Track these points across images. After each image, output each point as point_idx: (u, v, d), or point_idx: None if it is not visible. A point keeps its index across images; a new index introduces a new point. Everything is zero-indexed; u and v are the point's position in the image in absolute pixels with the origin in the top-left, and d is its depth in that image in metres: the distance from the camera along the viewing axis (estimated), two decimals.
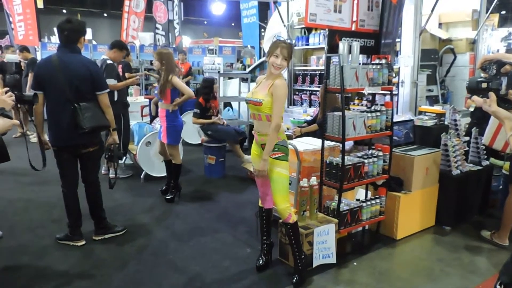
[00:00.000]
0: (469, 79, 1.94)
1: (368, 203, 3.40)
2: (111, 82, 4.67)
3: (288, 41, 5.59)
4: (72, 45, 3.24)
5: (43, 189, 4.91)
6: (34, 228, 3.82)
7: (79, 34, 3.25)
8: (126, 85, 5.45)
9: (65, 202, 3.45)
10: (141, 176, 5.32)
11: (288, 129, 5.21)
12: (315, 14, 3.35)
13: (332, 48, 3.39)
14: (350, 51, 3.19)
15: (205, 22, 29.00)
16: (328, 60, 3.29)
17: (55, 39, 13.41)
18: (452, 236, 3.76)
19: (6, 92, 2.19)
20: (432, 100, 5.34)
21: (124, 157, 5.58)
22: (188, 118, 6.59)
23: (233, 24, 27.10)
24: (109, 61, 4.80)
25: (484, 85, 1.89)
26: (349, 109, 4.56)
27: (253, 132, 2.93)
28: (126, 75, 6.14)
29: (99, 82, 3.29)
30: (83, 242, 3.48)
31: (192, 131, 7.05)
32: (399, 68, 4.83)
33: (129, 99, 6.30)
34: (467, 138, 4.22)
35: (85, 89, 3.21)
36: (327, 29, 3.51)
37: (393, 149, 3.61)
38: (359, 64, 3.26)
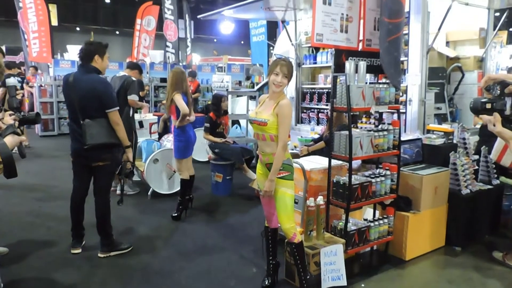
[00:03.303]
0: (473, 100, 1.94)
1: (376, 223, 3.36)
2: (134, 97, 5.04)
3: (290, 59, 5.64)
4: (85, 64, 3.45)
5: (51, 204, 4.95)
6: (40, 244, 3.84)
7: (91, 54, 3.43)
8: (141, 107, 5.82)
9: (70, 208, 3.62)
10: (148, 193, 5.34)
11: (295, 147, 5.21)
12: (321, 34, 3.39)
13: (339, 67, 3.41)
14: (356, 70, 3.21)
15: (215, 40, 29.44)
16: (334, 79, 3.31)
17: (68, 56, 13.73)
18: (462, 257, 3.68)
19: (10, 115, 2.28)
20: (441, 118, 5.31)
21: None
22: (199, 134, 6.63)
23: (242, 42, 27.50)
24: (133, 78, 5.16)
25: (488, 105, 1.88)
26: (356, 127, 4.56)
27: (257, 151, 2.94)
28: (141, 93, 6.33)
29: (107, 100, 3.39)
30: (77, 251, 3.61)
31: (200, 148, 7.08)
32: (406, 86, 4.83)
33: (138, 116, 6.46)
34: (476, 157, 4.17)
35: (91, 107, 3.34)
36: (333, 49, 3.55)
37: (401, 168, 3.59)
38: (366, 83, 3.27)
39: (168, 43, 14.07)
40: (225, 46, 27.89)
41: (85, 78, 3.38)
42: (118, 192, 3.72)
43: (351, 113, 3.13)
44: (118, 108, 3.47)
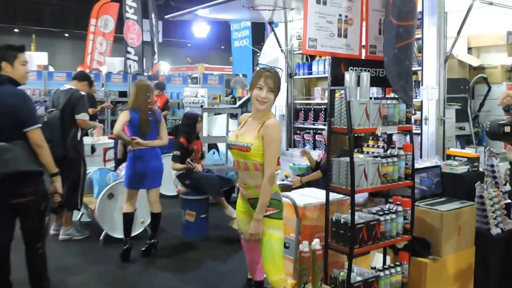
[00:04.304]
0: (490, 122, 1.99)
1: (387, 272, 3.35)
2: (84, 116, 5.06)
3: (277, 69, 5.73)
4: None
5: None
6: None
7: None
8: (93, 127, 5.95)
9: None
10: (101, 238, 5.27)
11: (286, 177, 5.22)
12: (315, 40, 3.43)
13: (337, 79, 3.46)
14: (358, 83, 3.27)
15: (189, 45, 29.68)
16: (332, 93, 3.36)
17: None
18: None
19: None
20: (464, 141, 5.40)
21: (81, 213, 5.58)
22: (166, 161, 6.58)
23: (222, 47, 27.79)
24: (82, 92, 5.20)
25: (507, 128, 1.92)
26: (362, 151, 4.60)
27: (238, 184, 2.94)
28: (90, 110, 6.32)
29: (23, 116, 3.32)
30: None
31: (166, 180, 7.01)
32: (421, 102, 4.93)
33: (89, 139, 6.43)
34: (508, 188, 4.23)
35: (4, 126, 3.27)
36: (330, 57, 3.62)
37: (416, 203, 3.61)
38: (370, 98, 3.33)
39: (129, 49, 14.14)
40: (201, 52, 28.14)
41: None
42: (52, 231, 3.62)
43: (353, 135, 3.17)
44: (39, 125, 3.40)
